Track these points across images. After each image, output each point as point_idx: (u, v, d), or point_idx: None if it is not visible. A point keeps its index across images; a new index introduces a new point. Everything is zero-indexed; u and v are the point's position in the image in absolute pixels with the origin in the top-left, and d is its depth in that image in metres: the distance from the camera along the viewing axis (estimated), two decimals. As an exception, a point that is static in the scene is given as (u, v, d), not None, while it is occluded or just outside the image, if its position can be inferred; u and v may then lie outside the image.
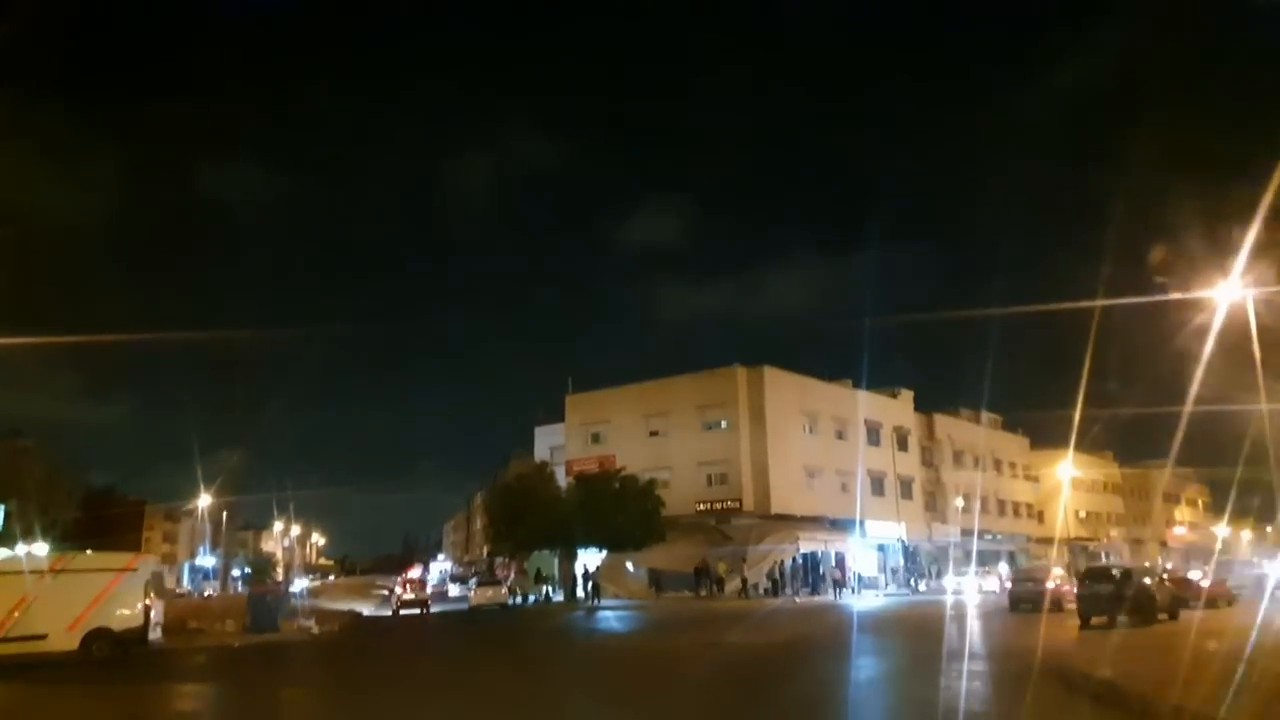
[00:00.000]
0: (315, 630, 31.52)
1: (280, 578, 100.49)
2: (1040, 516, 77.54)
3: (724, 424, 52.90)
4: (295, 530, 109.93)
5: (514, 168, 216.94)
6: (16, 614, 20.47)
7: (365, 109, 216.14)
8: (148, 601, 21.42)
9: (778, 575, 46.41)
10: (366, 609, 49.16)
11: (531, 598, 50.40)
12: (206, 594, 73.12)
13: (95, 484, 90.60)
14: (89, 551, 22.42)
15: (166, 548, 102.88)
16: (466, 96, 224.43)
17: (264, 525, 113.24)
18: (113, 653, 20.96)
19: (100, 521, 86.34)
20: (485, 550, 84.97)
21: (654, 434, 55.34)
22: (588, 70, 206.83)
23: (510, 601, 46.32)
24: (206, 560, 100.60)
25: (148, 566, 21.90)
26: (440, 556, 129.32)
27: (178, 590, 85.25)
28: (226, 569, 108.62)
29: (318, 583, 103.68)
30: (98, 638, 20.86)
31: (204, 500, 75.78)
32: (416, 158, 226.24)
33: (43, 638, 20.51)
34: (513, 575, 56.58)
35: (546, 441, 61.34)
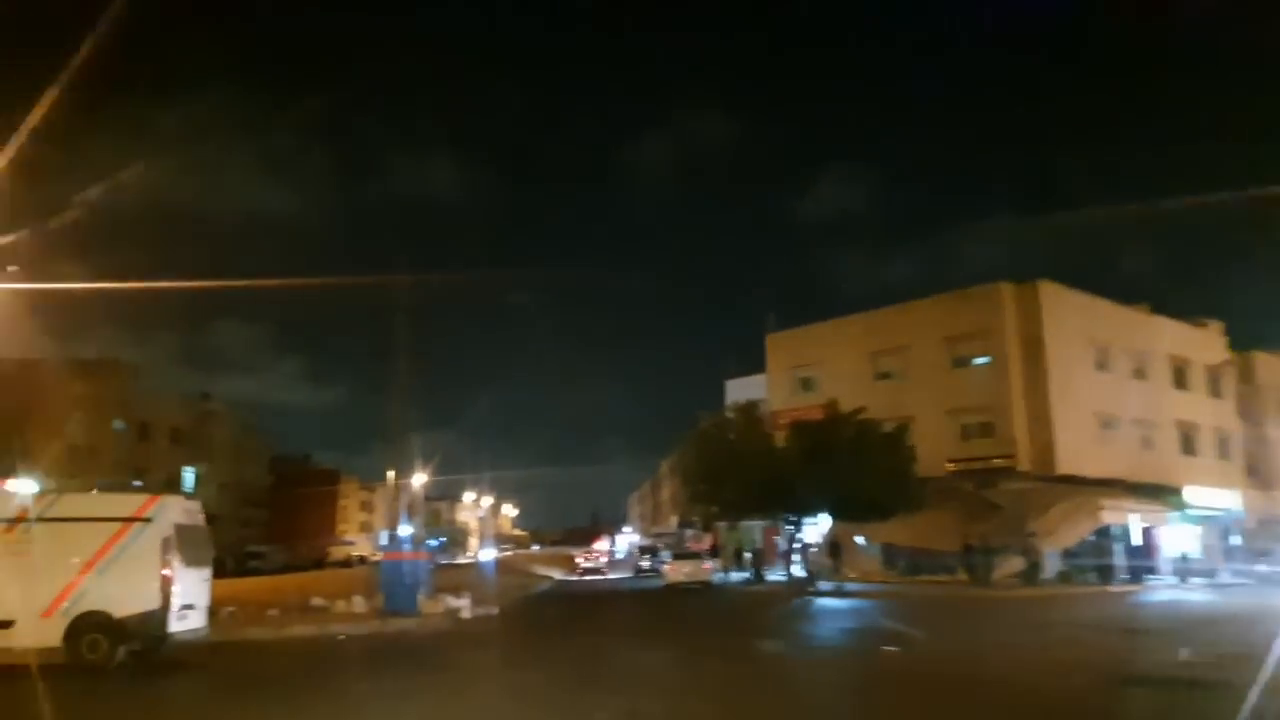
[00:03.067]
0: (465, 614, 23.53)
1: (469, 546, 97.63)
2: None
3: (984, 359, 41.18)
4: (487, 501, 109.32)
5: (695, 144, 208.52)
6: (-36, 587, 13.13)
7: (545, 99, 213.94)
8: (167, 571, 13.57)
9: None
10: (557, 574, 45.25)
11: (736, 575, 41.12)
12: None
13: (290, 452, 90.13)
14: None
15: (364, 516, 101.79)
16: (647, 76, 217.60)
17: (456, 497, 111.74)
18: (114, 652, 13.26)
19: (295, 487, 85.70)
20: (675, 520, 77.95)
21: (883, 376, 44.35)
22: (763, 44, 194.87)
23: (717, 578, 37.16)
24: (404, 529, 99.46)
25: (167, 513, 14.07)
26: (626, 529, 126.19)
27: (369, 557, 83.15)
28: (420, 539, 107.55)
29: (510, 552, 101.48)
30: (89, 629, 13.22)
31: (417, 478, 76.98)
32: (597, 142, 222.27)
33: (7, 626, 13.07)
34: (708, 548, 47.79)
35: (741, 395, 50.83)
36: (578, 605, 31.31)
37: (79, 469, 46.24)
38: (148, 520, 13.76)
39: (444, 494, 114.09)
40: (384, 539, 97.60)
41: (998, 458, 38.98)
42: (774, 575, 39.41)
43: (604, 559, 56.94)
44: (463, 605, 24.30)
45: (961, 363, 42.00)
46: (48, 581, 13.19)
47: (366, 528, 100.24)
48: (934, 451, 39.26)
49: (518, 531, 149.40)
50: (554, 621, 24.55)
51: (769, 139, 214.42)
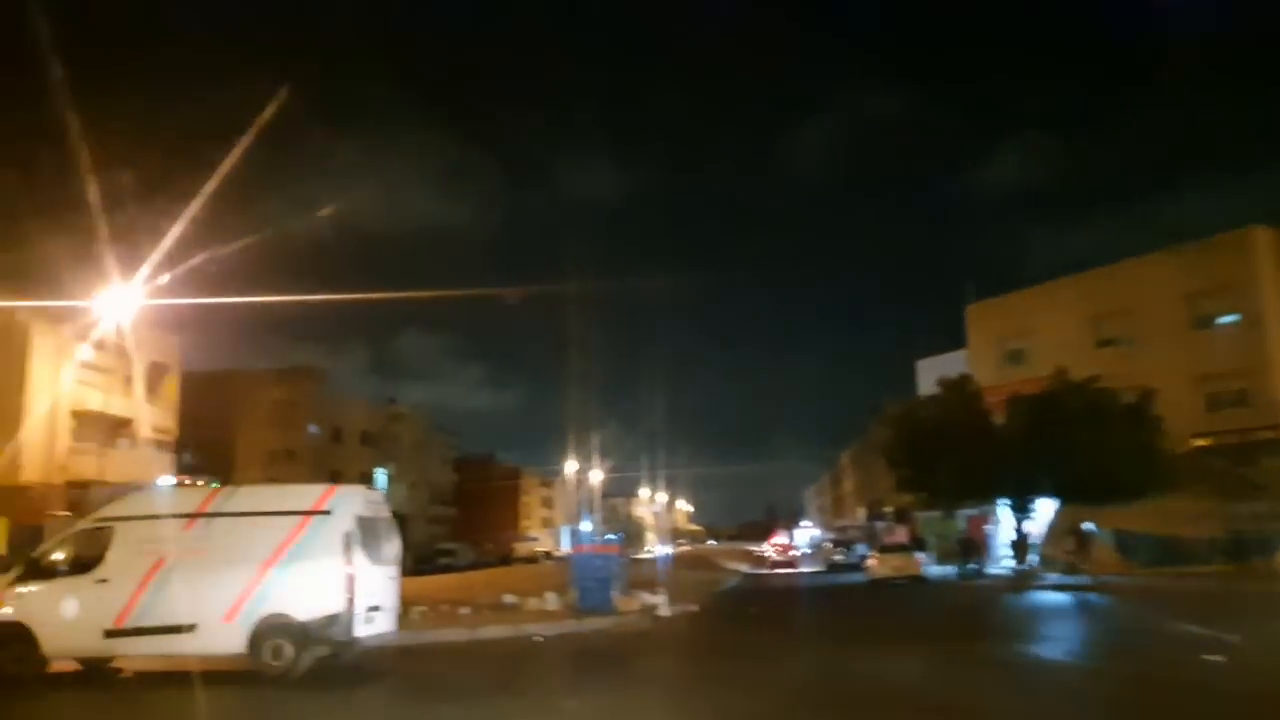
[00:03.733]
0: (663, 611, 21.55)
1: (646, 541, 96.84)
2: None
3: (1233, 317, 35.64)
4: (663, 497, 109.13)
5: (859, 125, 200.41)
6: (146, 588, 12.12)
7: (705, 91, 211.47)
8: (350, 568, 12.14)
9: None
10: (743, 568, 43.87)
11: (940, 569, 37.31)
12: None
13: (472, 453, 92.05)
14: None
15: (545, 512, 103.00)
16: (809, 59, 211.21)
17: (631, 493, 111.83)
18: (299, 659, 11.94)
19: (478, 486, 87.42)
20: (862, 512, 74.09)
21: (1107, 343, 39.34)
22: (923, 14, 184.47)
23: (932, 571, 33.68)
24: (585, 525, 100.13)
25: (348, 505, 12.65)
26: (804, 523, 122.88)
27: (554, 553, 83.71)
28: (600, 534, 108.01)
29: (686, 547, 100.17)
30: (272, 633, 11.95)
31: (595, 475, 79.07)
32: (760, 131, 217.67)
33: (188, 630, 11.98)
34: (905, 540, 44.01)
35: (936, 374, 46.20)
36: (780, 602, 28.83)
37: (278, 471, 47.94)
38: (326, 513, 12.39)
39: (620, 490, 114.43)
40: (567, 535, 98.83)
41: (1261, 429, 33.46)
42: (993, 569, 35.47)
43: (794, 552, 54.53)
44: (659, 602, 22.34)
45: (1205, 323, 36.57)
46: (228, 582, 12.03)
47: (548, 523, 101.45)
48: (1175, 425, 34.14)
49: (693, 527, 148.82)
50: (763, 621, 22.12)
51: (938, 113, 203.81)
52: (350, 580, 12.11)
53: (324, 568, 12.10)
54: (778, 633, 19.15)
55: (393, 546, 13.65)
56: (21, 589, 12.39)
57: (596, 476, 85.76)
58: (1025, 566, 31.65)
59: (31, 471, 34.72)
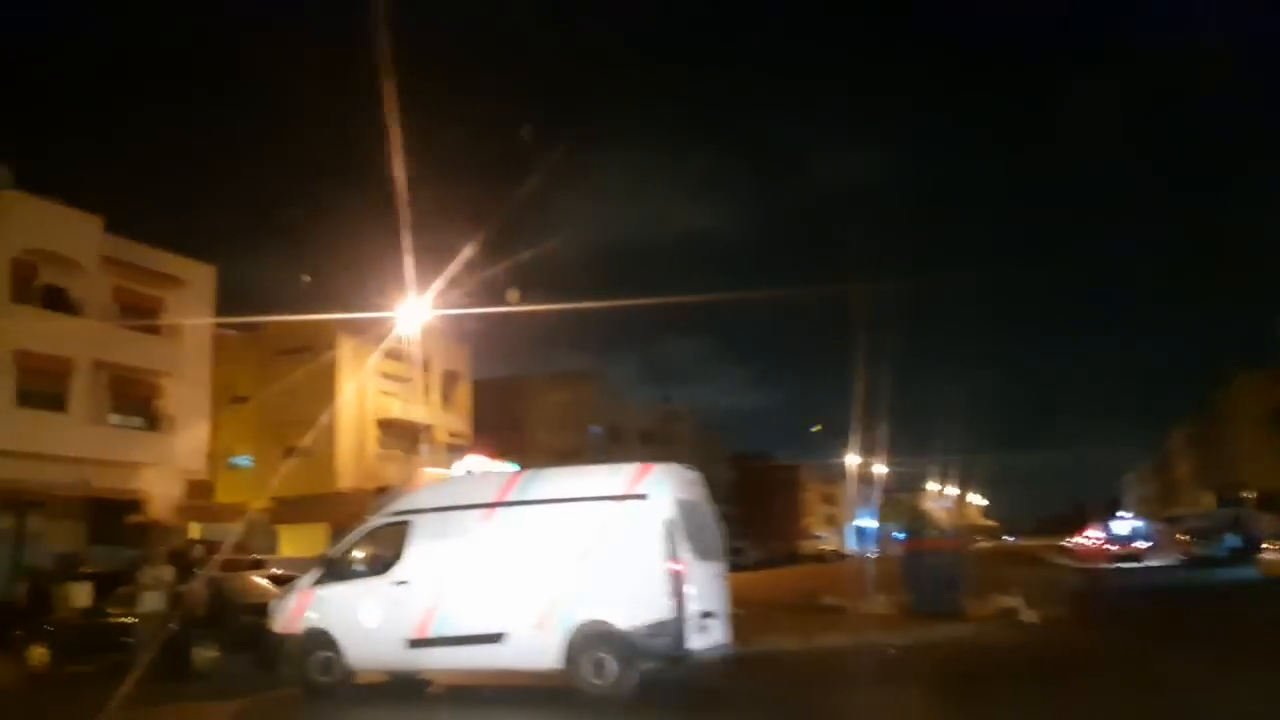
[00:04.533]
0: (1024, 616, 17.59)
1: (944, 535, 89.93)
2: None
3: None
4: (952, 490, 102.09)
5: (1154, 73, 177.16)
6: (448, 591, 10.39)
7: (965, 61, 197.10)
8: (676, 565, 9.74)
9: None
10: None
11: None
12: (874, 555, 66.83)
13: (747, 450, 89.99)
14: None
15: (827, 509, 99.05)
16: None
17: (915, 487, 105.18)
18: (625, 675, 9.70)
19: (756, 483, 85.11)
20: (1212, 498, 63.76)
21: None
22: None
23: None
24: (866, 521, 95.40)
25: (667, 484, 10.28)
26: (1123, 514, 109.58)
27: (842, 551, 79.82)
28: (885, 530, 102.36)
29: (983, 542, 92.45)
30: (592, 644, 9.79)
31: (878, 469, 75.92)
32: (1029, 96, 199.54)
33: (495, 640, 10.10)
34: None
35: None
36: (1161, 604, 23.53)
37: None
38: (642, 497, 10.07)
39: (905, 485, 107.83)
40: (853, 532, 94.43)
41: None
42: None
43: (1138, 545, 47.48)
44: (1017, 605, 18.38)
45: None
46: (536, 582, 10.04)
47: (831, 521, 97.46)
48: None
49: (987, 521, 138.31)
50: (1169, 632, 17.31)
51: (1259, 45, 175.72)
52: (678, 579, 9.70)
53: (645, 564, 9.79)
54: (1206, 651, 14.59)
55: (718, 538, 11.14)
56: (322, 592, 11.14)
57: (880, 471, 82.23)
58: None
59: (346, 478, 36.43)
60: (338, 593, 11.04)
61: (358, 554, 11.47)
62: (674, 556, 9.75)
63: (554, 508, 10.33)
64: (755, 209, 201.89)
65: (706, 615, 10.17)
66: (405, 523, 10.92)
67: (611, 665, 9.68)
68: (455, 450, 42.74)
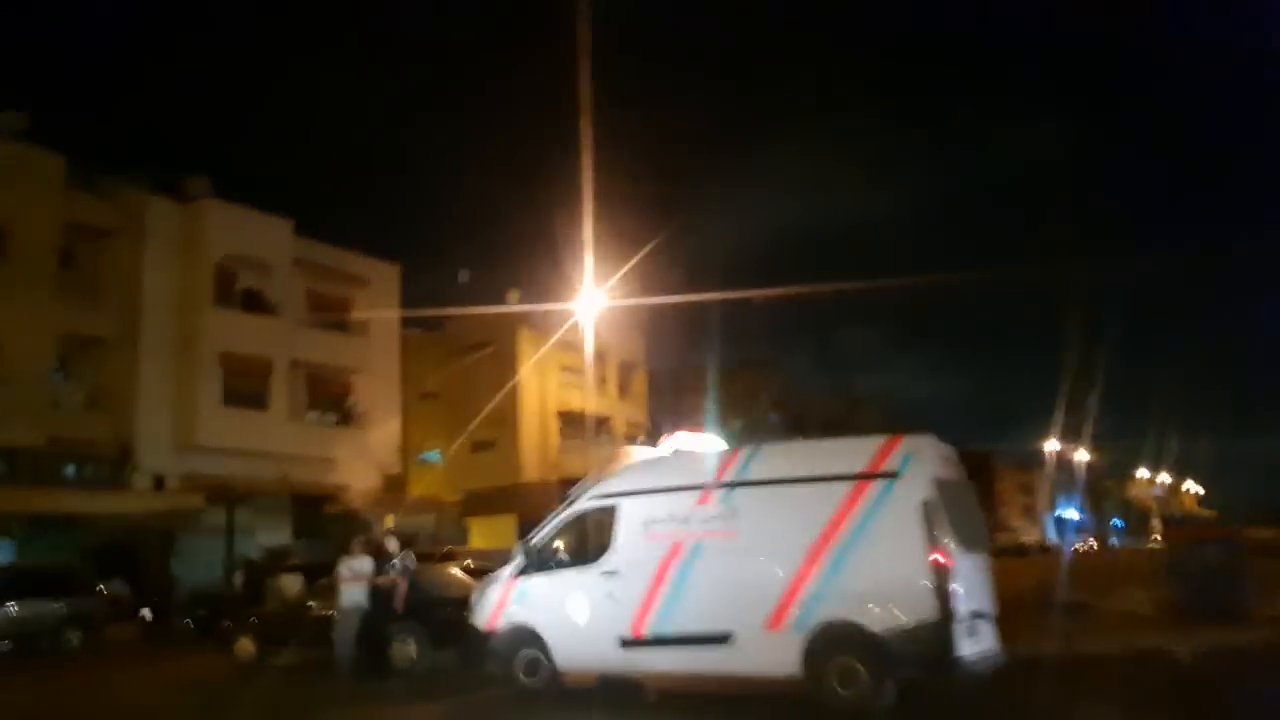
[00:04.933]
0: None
1: (1152, 529, 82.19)
2: None
3: None
4: (1164, 478, 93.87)
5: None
6: (664, 585, 9.09)
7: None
8: (939, 556, 8.03)
9: None
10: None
11: None
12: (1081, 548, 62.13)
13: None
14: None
15: (1023, 499, 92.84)
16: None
17: (1124, 474, 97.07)
18: (879, 686, 8.10)
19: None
20: None
21: None
22: None
23: None
24: (1069, 512, 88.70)
25: (923, 460, 8.52)
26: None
27: (1045, 544, 74.37)
28: (1101, 520, 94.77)
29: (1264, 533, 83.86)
30: (836, 649, 8.24)
31: (1080, 455, 71.42)
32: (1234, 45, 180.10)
33: (721, 642, 8.71)
34: None
35: None
36: None
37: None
38: (894, 475, 8.41)
39: (1112, 472, 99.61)
40: (1052, 523, 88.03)
41: None
42: None
43: None
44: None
45: None
46: (767, 575, 8.60)
47: (1027, 511, 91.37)
48: None
49: (1204, 511, 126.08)
50: None
51: None
52: (944, 574, 7.99)
53: (902, 555, 8.14)
54: None
55: (981, 523, 9.33)
56: (525, 584, 10.12)
57: (1083, 458, 76.58)
58: None
59: (530, 470, 36.34)
60: (542, 585, 9.99)
61: (558, 543, 10.38)
62: (937, 546, 8.04)
63: (785, 489, 8.83)
64: (938, 189, 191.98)
65: (976, 616, 8.39)
66: (612, 507, 9.71)
67: (862, 674, 8.08)
68: (635, 441, 42.07)
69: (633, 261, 23.41)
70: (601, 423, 39.95)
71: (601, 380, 39.96)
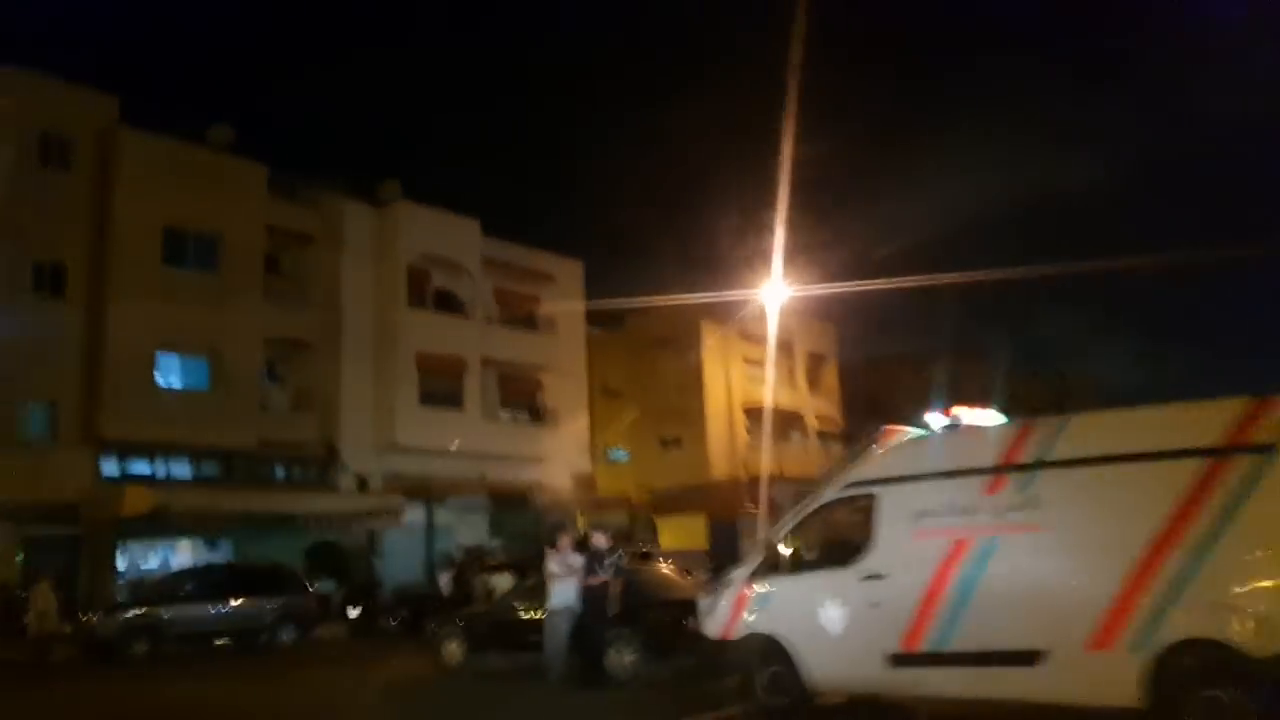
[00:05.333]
0: None
1: None
2: None
3: None
4: None
5: None
6: (945, 591, 7.41)
7: None
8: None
9: None
10: None
11: None
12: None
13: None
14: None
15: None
16: None
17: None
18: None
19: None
20: None
21: None
22: None
23: None
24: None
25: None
26: None
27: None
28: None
29: None
30: (1194, 678, 6.33)
31: None
32: None
33: (1027, 661, 6.96)
34: None
35: None
36: None
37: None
38: (1268, 449, 6.41)
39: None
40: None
41: None
42: None
43: None
44: None
45: None
46: (1085, 582, 6.79)
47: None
48: None
49: None
50: None
51: None
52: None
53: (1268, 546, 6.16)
54: None
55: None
56: (763, 588, 8.70)
57: None
58: None
59: (718, 468, 35.03)
60: (786, 590, 8.54)
61: (802, 540, 8.88)
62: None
63: (1109, 470, 6.96)
64: (1145, 162, 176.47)
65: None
66: (870, 496, 8.12)
67: (1237, 708, 6.16)
68: (828, 437, 39.97)
69: (816, 249, 22.16)
70: (791, 419, 38.13)
71: (789, 373, 38.16)
